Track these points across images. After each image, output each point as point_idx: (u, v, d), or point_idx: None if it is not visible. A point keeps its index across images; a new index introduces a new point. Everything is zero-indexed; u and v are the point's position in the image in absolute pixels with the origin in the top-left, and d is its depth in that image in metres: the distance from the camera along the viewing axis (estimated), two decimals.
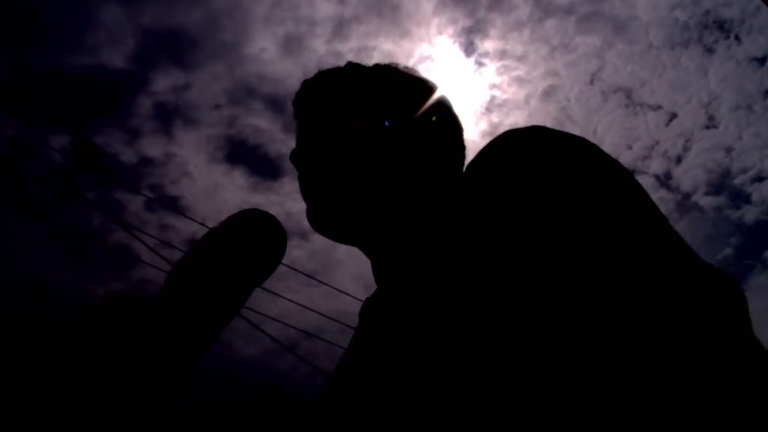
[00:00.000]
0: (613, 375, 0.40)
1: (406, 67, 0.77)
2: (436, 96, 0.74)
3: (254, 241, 0.58)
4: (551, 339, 0.42)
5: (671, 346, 0.40)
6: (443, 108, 0.75)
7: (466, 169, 0.58)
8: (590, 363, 0.41)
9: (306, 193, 0.72)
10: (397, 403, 0.49)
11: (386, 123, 0.70)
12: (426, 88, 0.74)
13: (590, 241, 0.45)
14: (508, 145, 0.54)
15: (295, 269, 6.75)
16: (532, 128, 0.55)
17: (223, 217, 0.61)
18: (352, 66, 0.76)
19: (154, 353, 0.50)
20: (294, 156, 0.73)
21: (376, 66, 0.76)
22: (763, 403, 0.38)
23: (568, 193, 0.48)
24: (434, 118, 0.73)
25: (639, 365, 0.40)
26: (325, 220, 0.71)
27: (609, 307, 0.42)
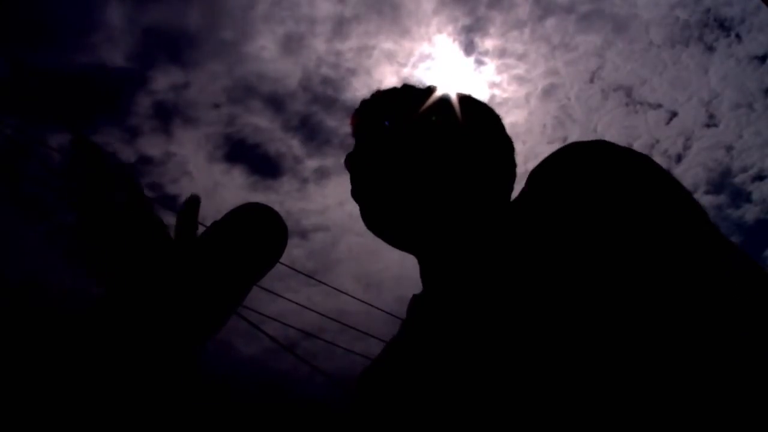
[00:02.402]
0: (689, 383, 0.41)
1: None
2: (490, 113, 0.81)
3: (256, 234, 0.58)
4: (609, 354, 0.44)
5: (747, 365, 0.41)
6: (497, 124, 0.81)
7: (528, 177, 0.61)
8: (664, 378, 0.42)
9: (363, 193, 0.76)
10: (442, 402, 0.51)
11: (446, 133, 0.75)
12: (480, 105, 0.82)
13: (651, 260, 0.47)
14: (572, 158, 0.56)
15: (295, 269, 6.76)
16: (596, 142, 0.56)
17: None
18: (407, 87, 0.83)
19: (158, 345, 0.50)
20: (351, 158, 0.78)
21: (430, 87, 0.83)
22: None
23: (630, 210, 0.49)
24: (488, 133, 0.78)
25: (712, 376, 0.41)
26: (383, 220, 0.74)
27: (672, 328, 0.43)
